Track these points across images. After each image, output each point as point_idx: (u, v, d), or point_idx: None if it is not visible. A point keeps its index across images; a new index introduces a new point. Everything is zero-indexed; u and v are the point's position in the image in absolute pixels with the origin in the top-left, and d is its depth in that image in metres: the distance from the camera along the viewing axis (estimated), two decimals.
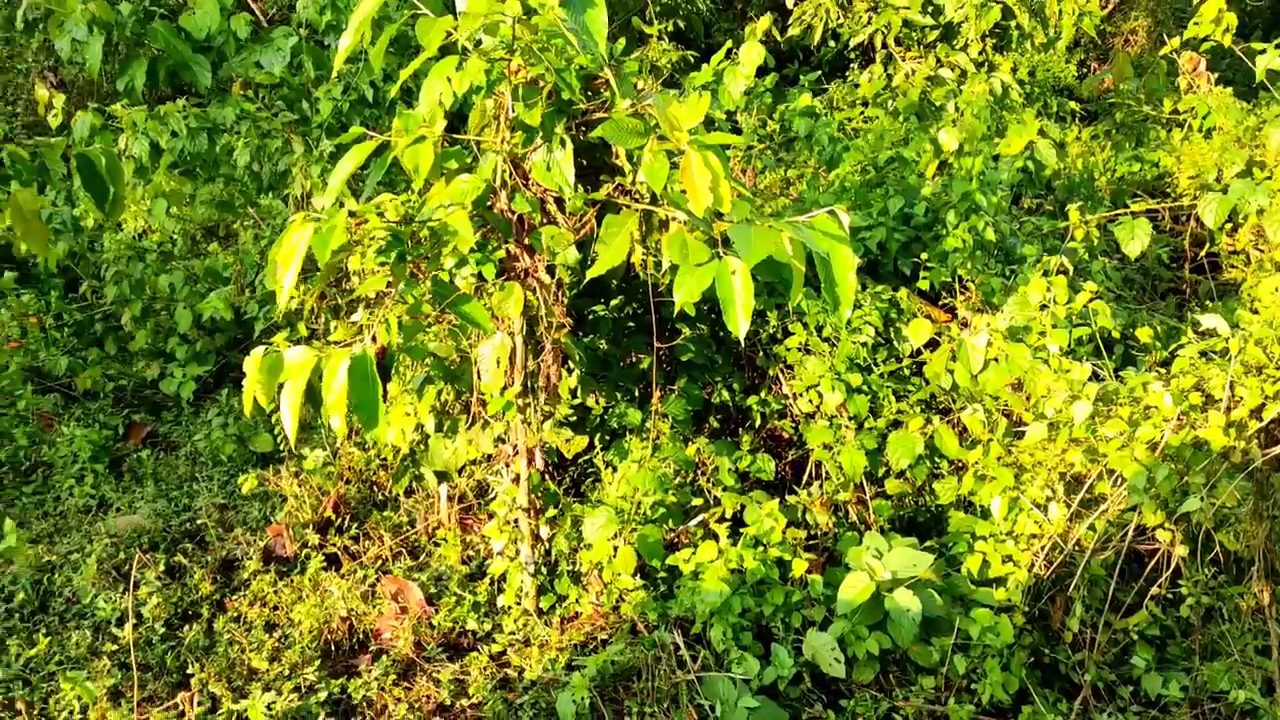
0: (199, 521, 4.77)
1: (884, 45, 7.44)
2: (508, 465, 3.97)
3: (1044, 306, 4.04)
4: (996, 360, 4.11)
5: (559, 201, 3.61)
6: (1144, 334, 4.17)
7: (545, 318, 3.64)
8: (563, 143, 3.46)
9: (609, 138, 3.34)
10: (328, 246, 3.11)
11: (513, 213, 3.56)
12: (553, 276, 3.64)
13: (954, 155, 5.07)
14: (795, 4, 7.58)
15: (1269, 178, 5.46)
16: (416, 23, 3.40)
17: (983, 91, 6.38)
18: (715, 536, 3.81)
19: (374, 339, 3.45)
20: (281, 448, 5.26)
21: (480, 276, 3.53)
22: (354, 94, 5.38)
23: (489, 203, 3.59)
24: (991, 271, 5.02)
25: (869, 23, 7.44)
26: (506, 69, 3.30)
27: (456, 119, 3.83)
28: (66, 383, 6.48)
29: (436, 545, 4.60)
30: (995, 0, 6.74)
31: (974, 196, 4.96)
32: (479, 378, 3.83)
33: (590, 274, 3.43)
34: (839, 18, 7.31)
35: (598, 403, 4.67)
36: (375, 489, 5.08)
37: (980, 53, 7.09)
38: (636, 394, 4.83)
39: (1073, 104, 8.73)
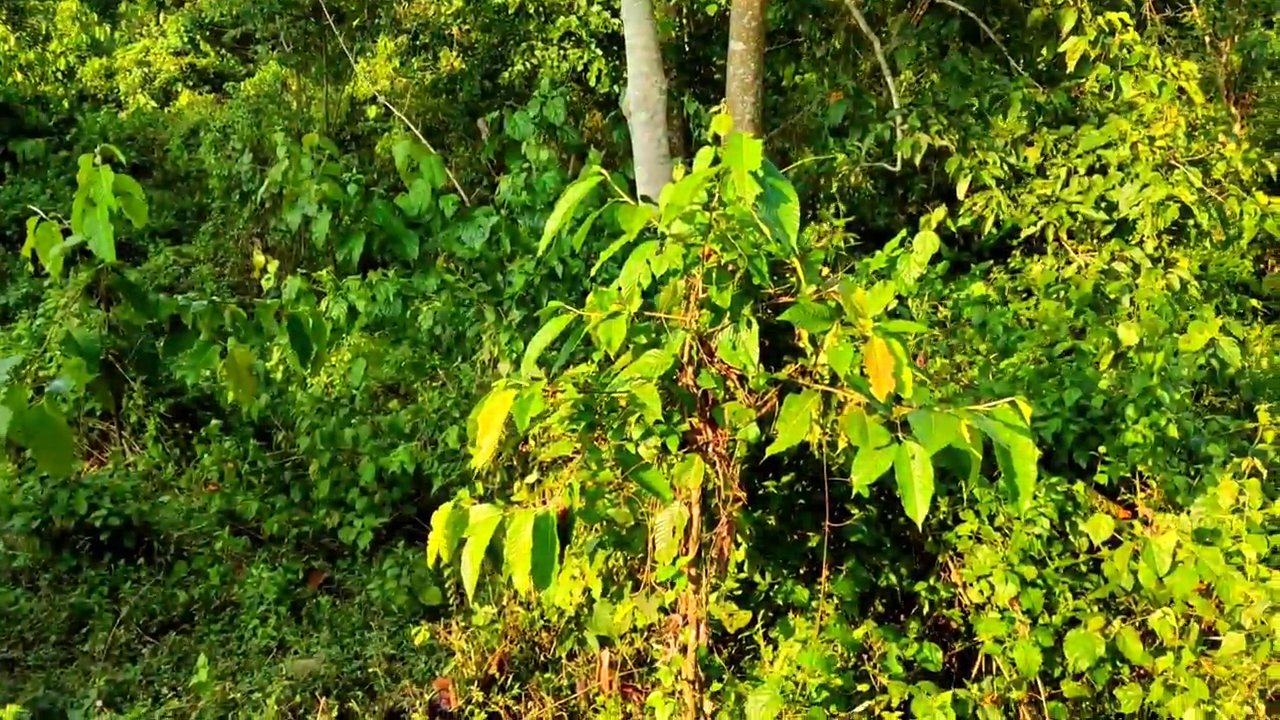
0: (370, 670, 4.92)
1: (1055, 237, 7.49)
2: (675, 636, 4.00)
3: (1238, 510, 3.89)
4: (1184, 563, 3.95)
5: (741, 379, 3.75)
6: None
7: (723, 491, 3.73)
8: (749, 323, 3.62)
9: (796, 321, 3.49)
10: (527, 413, 3.32)
11: (697, 388, 3.71)
12: (731, 452, 3.75)
13: (1134, 350, 5.02)
14: (966, 195, 7.76)
15: None
16: (618, 210, 3.70)
17: (1160, 287, 6.31)
18: None
19: (545, 500, 3.61)
20: (451, 602, 5.42)
21: (663, 448, 3.67)
22: (544, 269, 5.78)
23: (675, 377, 3.77)
24: (1174, 470, 4.87)
25: (1040, 216, 7.53)
26: (701, 253, 3.52)
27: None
28: (255, 526, 6.89)
29: (596, 711, 4.61)
30: (1173, 199, 6.75)
31: (1155, 392, 4.87)
32: (652, 546, 3.92)
33: (770, 451, 3.52)
34: (1010, 209, 7.44)
35: (763, 578, 4.67)
36: (537, 649, 5.15)
37: (1156, 248, 7.06)
38: (802, 571, 4.82)
39: (1254, 301, 8.51)
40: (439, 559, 3.58)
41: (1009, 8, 10.01)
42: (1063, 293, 7.21)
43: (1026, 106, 7.72)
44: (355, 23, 16.94)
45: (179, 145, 16.15)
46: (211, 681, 4.47)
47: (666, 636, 4.08)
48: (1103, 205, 7.31)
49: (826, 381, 3.69)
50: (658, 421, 3.59)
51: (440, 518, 3.61)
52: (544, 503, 4.06)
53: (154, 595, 5.63)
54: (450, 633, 4.97)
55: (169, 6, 20.51)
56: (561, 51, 15.31)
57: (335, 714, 4.48)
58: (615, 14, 12.99)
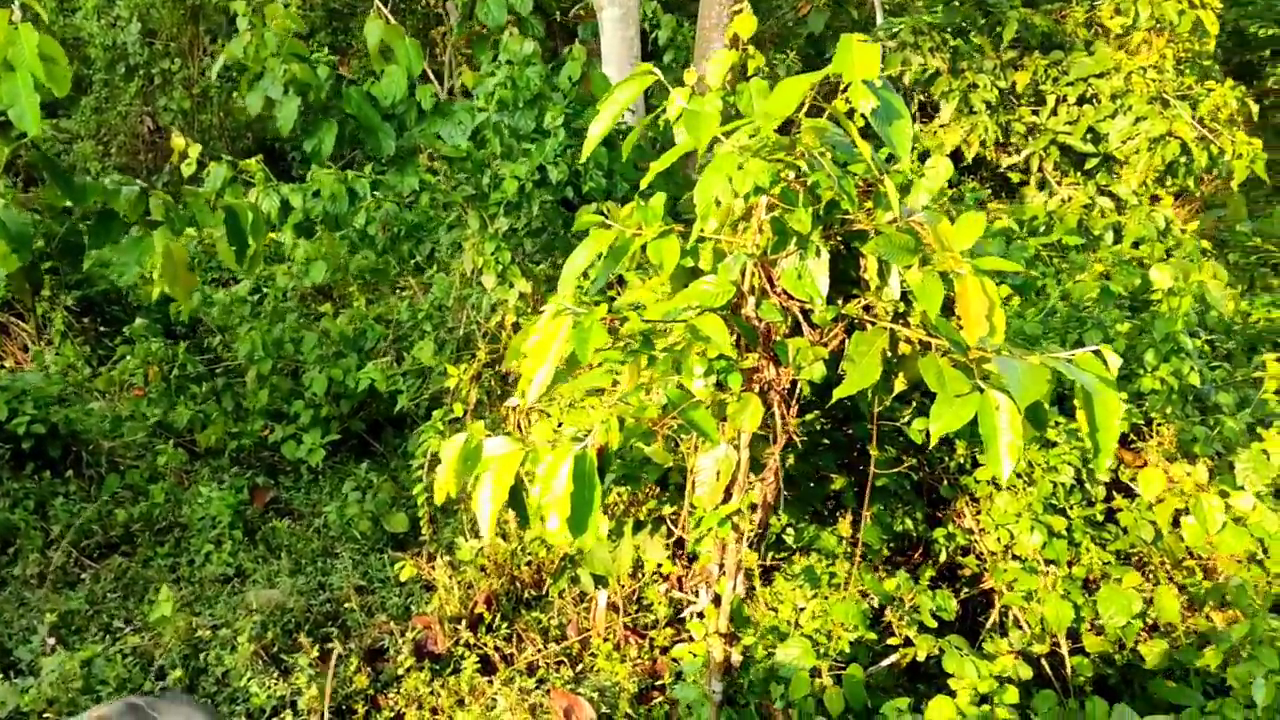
0: (345, 604, 4.52)
1: (1039, 169, 7.29)
2: (708, 585, 3.71)
3: None
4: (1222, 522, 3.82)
5: (805, 313, 3.41)
6: None
7: (778, 434, 3.41)
8: (818, 252, 3.27)
9: (880, 253, 3.15)
10: (589, 345, 2.92)
11: (759, 320, 3.36)
12: (792, 392, 3.42)
13: (1164, 294, 4.85)
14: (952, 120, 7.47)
15: None
16: (684, 117, 3.27)
17: (1140, 223, 6.18)
18: (951, 692, 3.48)
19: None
20: (425, 531, 5.02)
21: (719, 385, 3.31)
22: (535, 175, 5.28)
23: (731, 308, 3.40)
24: (1192, 419, 4.75)
25: (1022, 145, 7.32)
26: (782, 171, 3.13)
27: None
28: (189, 438, 6.31)
29: (593, 655, 4.32)
30: (1173, 135, 6.59)
31: (1178, 338, 4.72)
32: (692, 489, 3.59)
33: (838, 393, 3.20)
34: (997, 137, 7.19)
35: (777, 519, 4.41)
36: (518, 585, 4.82)
37: (1141, 184, 6.92)
38: (809, 515, 4.58)
39: (1205, 243, 8.50)
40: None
41: None
42: (1043, 228, 7.02)
43: (1021, 29, 7.45)
44: None
45: (53, 8, 14.72)
46: (175, 615, 4.02)
47: (697, 585, 3.78)
48: (1089, 137, 7.13)
49: (888, 319, 3.38)
50: (720, 356, 3.23)
51: (452, 450, 3.22)
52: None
53: (89, 513, 5.08)
54: (434, 567, 4.59)
55: None
56: None
57: (317, 654, 4.08)
58: None
